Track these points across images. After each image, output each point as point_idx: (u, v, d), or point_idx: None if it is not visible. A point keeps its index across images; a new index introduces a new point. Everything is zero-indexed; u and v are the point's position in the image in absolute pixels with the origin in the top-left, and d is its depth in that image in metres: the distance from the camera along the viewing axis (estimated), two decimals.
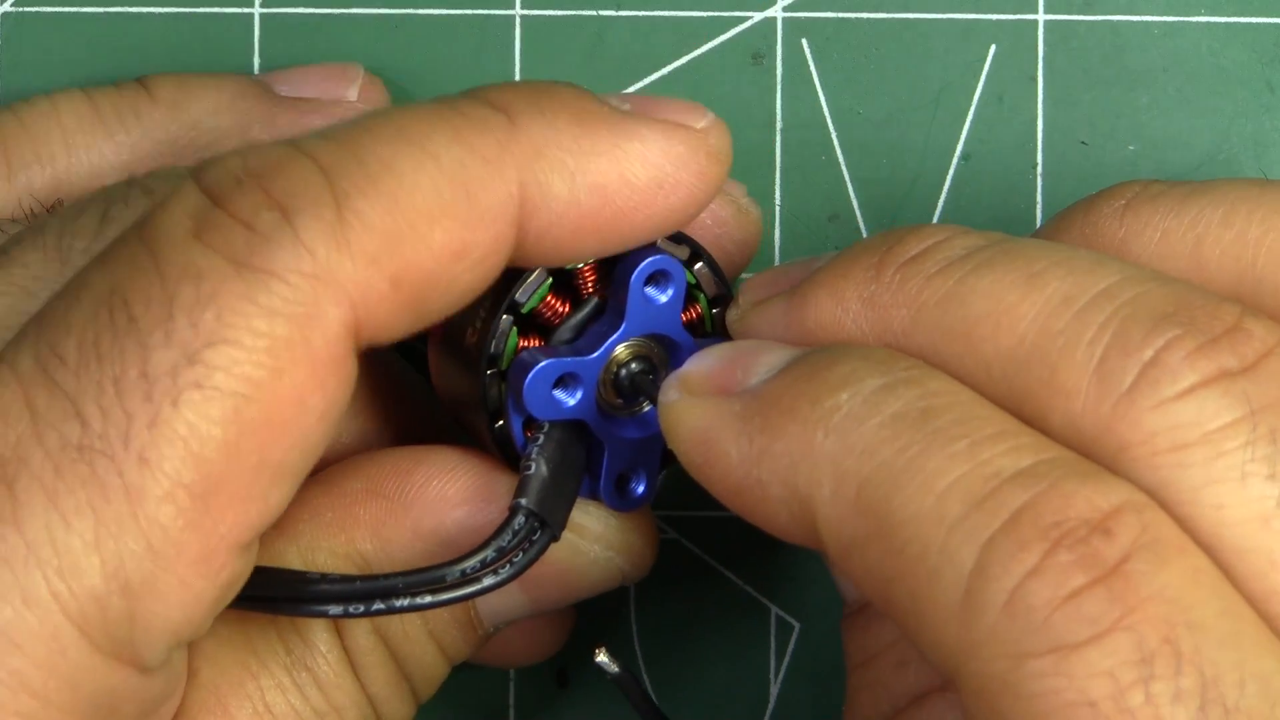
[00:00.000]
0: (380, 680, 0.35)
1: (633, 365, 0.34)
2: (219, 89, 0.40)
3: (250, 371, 0.28)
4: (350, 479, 0.36)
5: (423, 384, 0.37)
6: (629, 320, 0.34)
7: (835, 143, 0.42)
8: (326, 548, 0.35)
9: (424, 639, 0.35)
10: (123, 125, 0.39)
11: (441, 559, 0.33)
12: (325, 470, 0.36)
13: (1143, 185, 0.32)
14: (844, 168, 0.42)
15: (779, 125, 0.42)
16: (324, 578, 0.32)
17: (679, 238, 0.34)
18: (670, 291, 0.34)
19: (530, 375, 0.33)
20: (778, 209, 0.42)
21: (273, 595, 0.32)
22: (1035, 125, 0.42)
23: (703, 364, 0.32)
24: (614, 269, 0.34)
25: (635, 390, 0.34)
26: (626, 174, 0.32)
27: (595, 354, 0.34)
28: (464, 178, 0.30)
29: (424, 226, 0.30)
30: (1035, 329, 0.29)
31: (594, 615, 0.42)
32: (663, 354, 0.34)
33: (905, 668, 0.32)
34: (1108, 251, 0.32)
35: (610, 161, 0.31)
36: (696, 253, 0.35)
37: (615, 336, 0.34)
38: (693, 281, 0.35)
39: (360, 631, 0.34)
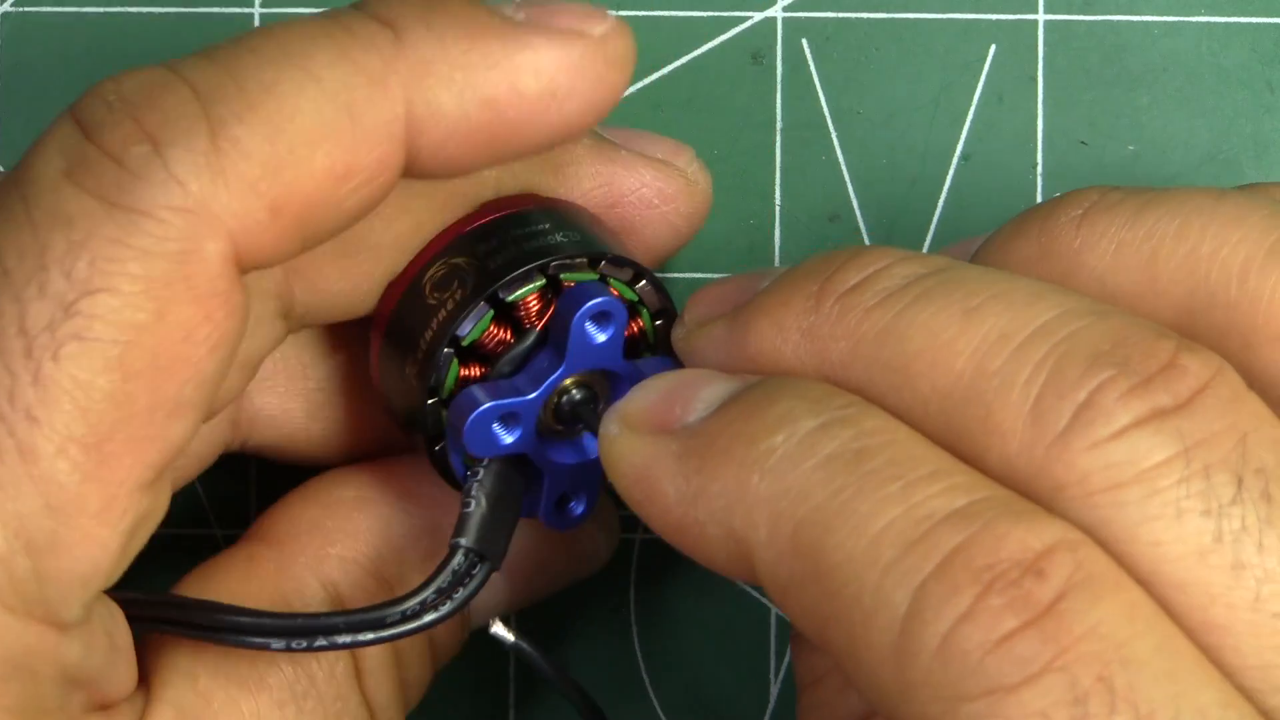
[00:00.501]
0: (384, 689, 0.35)
1: (574, 393, 0.34)
2: None
3: (130, 316, 0.28)
4: (338, 489, 0.36)
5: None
6: (569, 359, 0.33)
7: (835, 143, 0.42)
8: (334, 555, 0.35)
9: (422, 645, 0.35)
10: None
11: (443, 551, 0.33)
12: (311, 483, 0.36)
13: (1100, 193, 0.32)
14: (844, 168, 0.42)
15: (779, 125, 0.42)
16: (267, 614, 0.32)
17: (619, 261, 0.34)
18: (611, 330, 0.34)
19: (470, 419, 0.33)
20: (778, 209, 0.42)
21: (220, 625, 0.32)
22: (1035, 125, 0.42)
23: (642, 399, 0.31)
24: (556, 303, 0.34)
25: (575, 418, 0.34)
26: (518, 85, 0.31)
27: (535, 394, 0.34)
28: (347, 98, 0.30)
29: (304, 151, 0.29)
30: (971, 367, 0.29)
31: (594, 615, 0.42)
32: (604, 382, 0.34)
33: (848, 691, 0.32)
34: (1063, 262, 0.31)
35: (500, 74, 0.31)
36: (639, 273, 0.35)
37: (555, 376, 0.34)
38: (635, 299, 0.35)
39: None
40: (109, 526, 0.29)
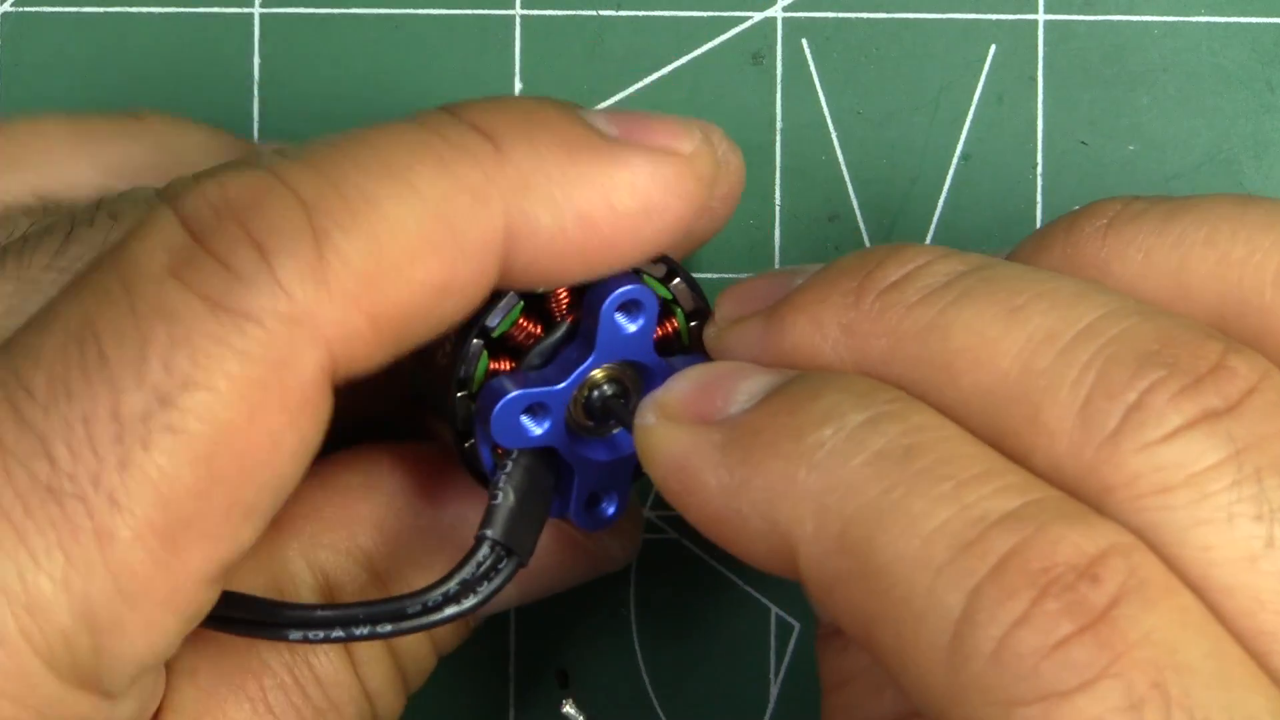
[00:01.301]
0: (379, 676, 0.35)
1: (605, 388, 0.34)
2: (213, 131, 0.39)
3: (222, 415, 0.28)
4: (347, 473, 0.36)
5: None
6: (599, 350, 0.33)
7: (835, 143, 0.42)
8: (328, 543, 0.35)
9: (420, 635, 0.35)
10: (106, 145, 0.38)
11: (442, 551, 0.33)
12: (321, 464, 0.36)
13: (1124, 203, 0.32)
14: (844, 168, 0.42)
15: (779, 125, 0.42)
16: (287, 605, 0.32)
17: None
18: (641, 320, 0.33)
19: (498, 407, 0.33)
20: (778, 209, 0.42)
21: (236, 618, 0.32)
22: (1035, 125, 0.42)
23: (681, 388, 0.31)
24: (586, 293, 0.34)
25: (606, 413, 0.34)
26: (614, 203, 0.31)
27: (563, 384, 0.33)
28: (448, 211, 0.30)
29: (406, 264, 0.29)
30: (1018, 366, 0.28)
31: (594, 615, 0.42)
32: (635, 377, 0.34)
33: (882, 692, 0.32)
34: (1090, 272, 0.31)
35: (597, 192, 0.31)
36: (673, 270, 0.34)
37: (584, 366, 0.33)
38: (669, 298, 0.34)
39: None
40: (173, 614, 0.29)
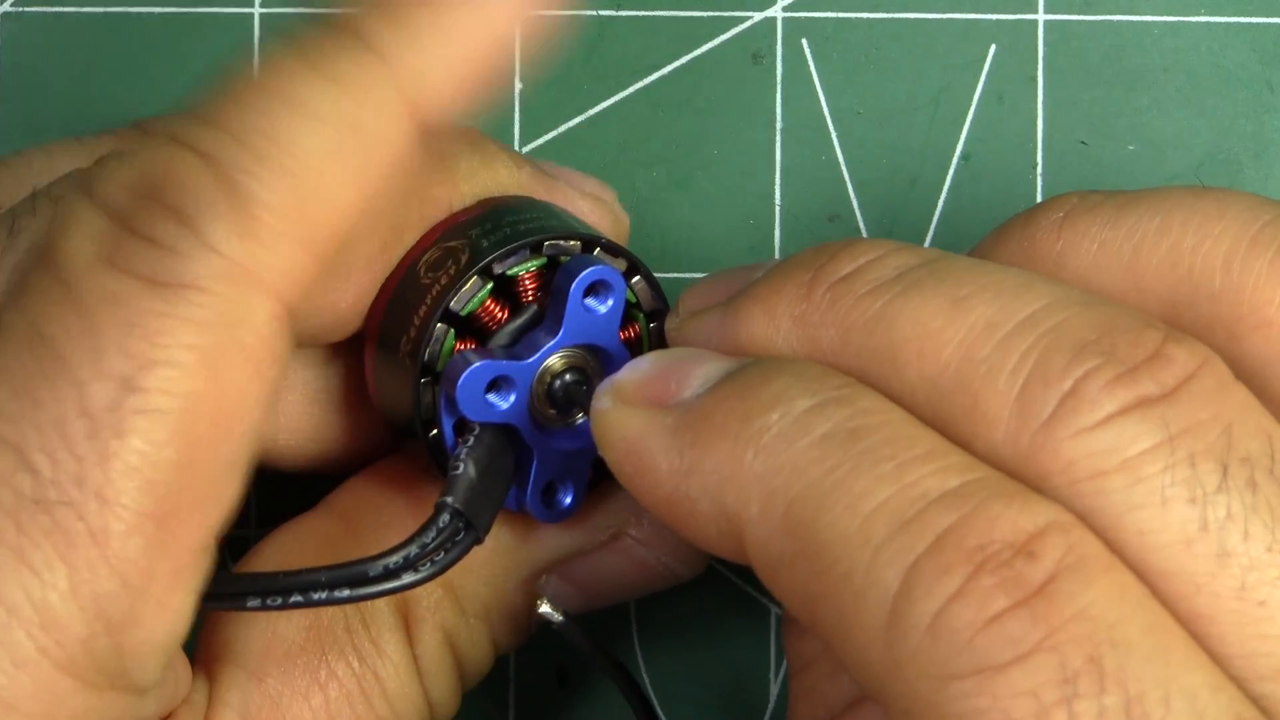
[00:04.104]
0: (441, 686, 0.35)
1: (567, 376, 0.34)
2: None
3: (189, 386, 0.28)
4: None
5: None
6: (566, 329, 0.34)
7: (835, 143, 0.42)
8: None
9: (486, 643, 0.36)
10: None
11: None
12: (384, 464, 0.36)
13: (1080, 196, 0.32)
14: (844, 168, 0.42)
15: (779, 125, 0.42)
16: (245, 575, 0.32)
17: (615, 249, 0.35)
18: (610, 302, 0.34)
19: (464, 376, 0.33)
20: (778, 209, 0.42)
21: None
22: (1035, 125, 0.42)
23: (637, 372, 0.31)
24: (554, 276, 0.34)
25: (569, 401, 0.34)
26: (491, 22, 0.31)
27: (530, 359, 0.34)
28: (350, 125, 0.30)
29: (325, 189, 0.29)
30: (959, 356, 0.29)
31: (594, 615, 0.42)
32: (598, 366, 0.34)
33: (838, 675, 0.32)
34: (1046, 264, 0.32)
35: (474, 20, 0.31)
36: (634, 266, 0.35)
37: (551, 344, 0.34)
38: (632, 299, 0.35)
39: (432, 640, 0.35)
40: (180, 592, 0.29)
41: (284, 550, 0.36)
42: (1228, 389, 0.28)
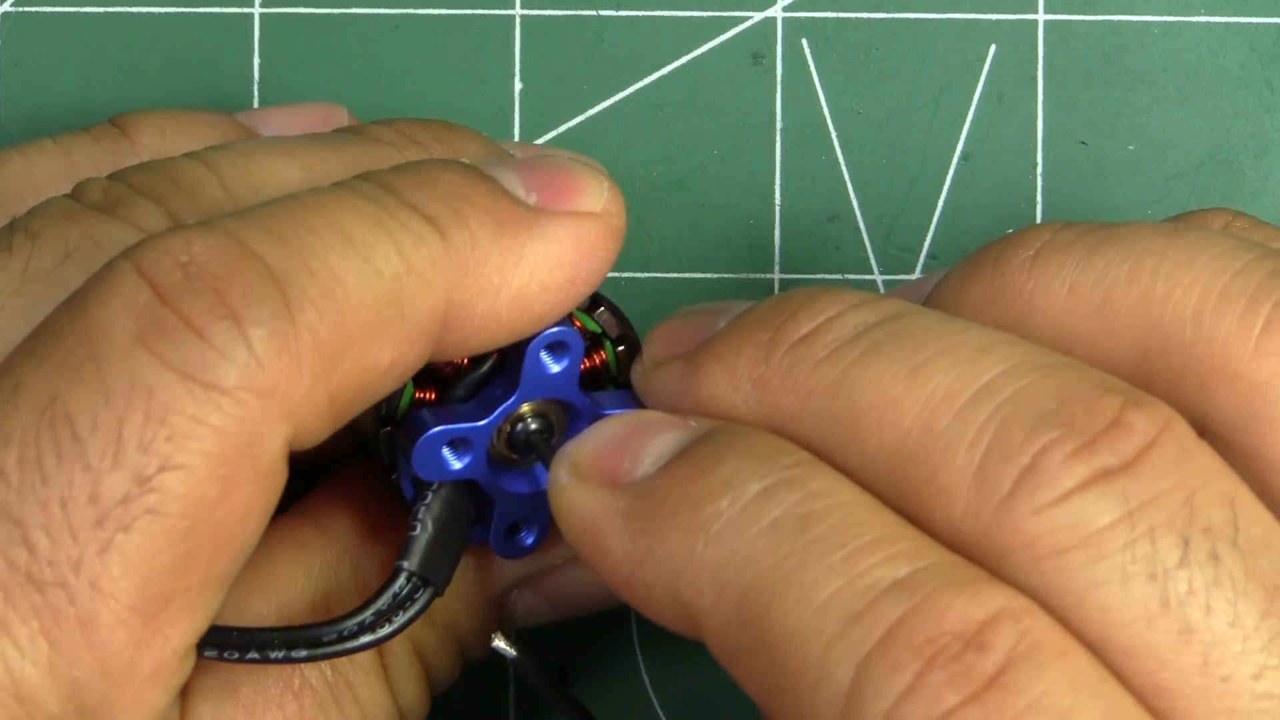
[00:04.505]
0: (411, 693, 0.35)
1: (529, 422, 0.34)
2: (201, 132, 0.38)
3: (199, 493, 0.28)
4: (306, 528, 0.35)
5: None
6: (522, 388, 0.33)
7: (835, 143, 0.42)
8: (281, 599, 0.35)
9: (454, 654, 0.36)
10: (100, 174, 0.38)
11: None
12: (348, 472, 0.36)
13: (1053, 232, 0.32)
14: (844, 168, 0.42)
15: (779, 125, 0.42)
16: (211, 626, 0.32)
17: None
18: (566, 361, 0.33)
19: (419, 442, 0.33)
20: (778, 209, 0.42)
21: None
22: (1035, 125, 0.42)
23: (591, 445, 0.31)
24: None
25: (529, 448, 0.34)
26: (545, 281, 0.32)
27: (485, 420, 0.33)
28: (400, 294, 0.30)
29: (363, 342, 0.30)
30: (919, 426, 0.28)
31: (594, 615, 0.42)
32: (560, 413, 0.34)
33: None
34: (1016, 304, 0.31)
35: (531, 273, 0.31)
36: (596, 298, 0.35)
37: (507, 404, 0.33)
38: (597, 330, 0.35)
39: (400, 650, 0.35)
40: (158, 689, 0.29)
41: (255, 556, 0.36)
42: (1190, 454, 0.28)
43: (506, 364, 0.34)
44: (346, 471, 0.37)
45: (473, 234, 0.31)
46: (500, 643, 0.34)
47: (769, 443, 0.30)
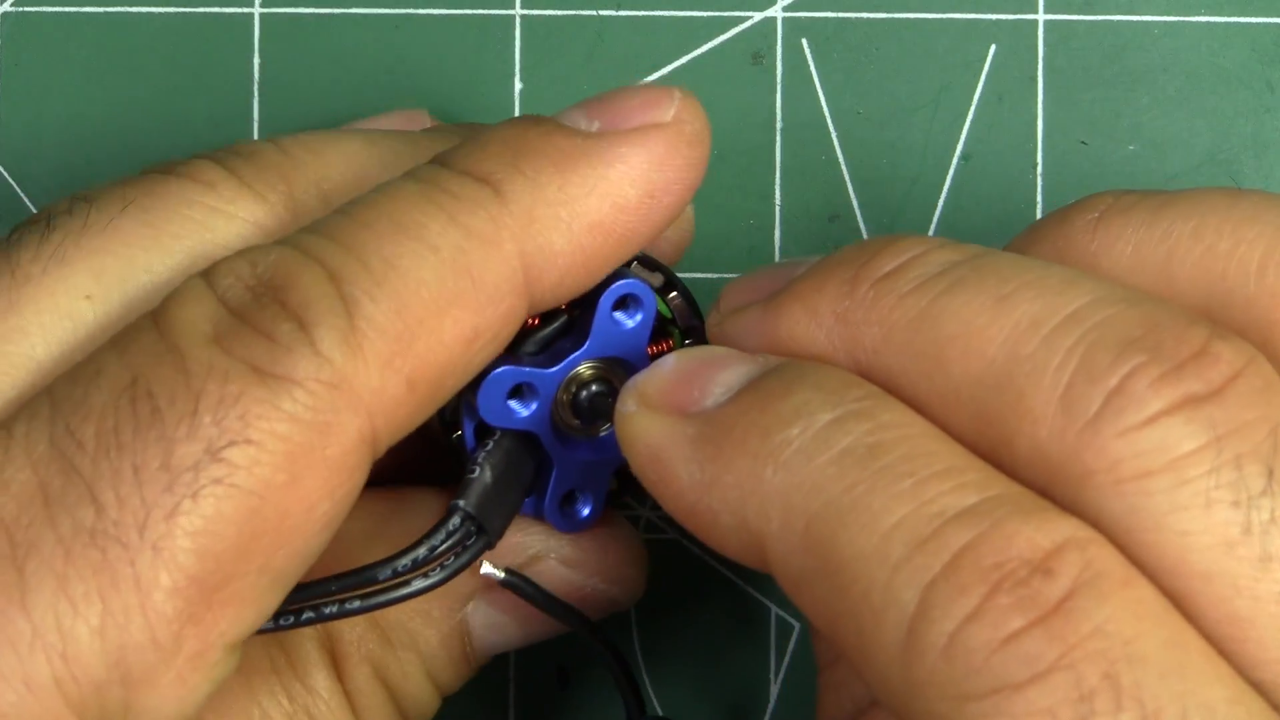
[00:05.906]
0: (423, 702, 0.35)
1: (593, 387, 0.34)
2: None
3: (269, 474, 0.29)
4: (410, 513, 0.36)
5: None
6: (593, 340, 0.33)
7: (835, 143, 0.42)
8: None
9: (421, 677, 0.35)
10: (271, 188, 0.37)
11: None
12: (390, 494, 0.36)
13: (1115, 197, 0.32)
14: (844, 168, 0.42)
15: (779, 125, 0.42)
16: None
17: (651, 264, 0.34)
18: (639, 317, 0.34)
19: (486, 380, 0.33)
20: (778, 209, 0.42)
21: None
22: (1035, 125, 0.42)
23: (660, 375, 0.32)
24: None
25: (594, 412, 0.34)
26: (620, 201, 0.32)
27: (555, 368, 0.33)
28: (464, 262, 0.30)
29: (432, 320, 0.30)
30: (1004, 353, 0.29)
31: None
32: (625, 378, 0.34)
33: None
34: (1080, 265, 0.32)
35: (601, 198, 0.32)
36: (670, 282, 0.35)
37: (577, 354, 0.34)
38: (667, 314, 0.34)
39: (360, 674, 0.34)
40: (201, 674, 0.29)
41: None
42: (1273, 389, 0.28)
43: (575, 325, 0.34)
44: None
45: (530, 180, 0.31)
46: (489, 567, 0.34)
47: (839, 376, 0.30)
